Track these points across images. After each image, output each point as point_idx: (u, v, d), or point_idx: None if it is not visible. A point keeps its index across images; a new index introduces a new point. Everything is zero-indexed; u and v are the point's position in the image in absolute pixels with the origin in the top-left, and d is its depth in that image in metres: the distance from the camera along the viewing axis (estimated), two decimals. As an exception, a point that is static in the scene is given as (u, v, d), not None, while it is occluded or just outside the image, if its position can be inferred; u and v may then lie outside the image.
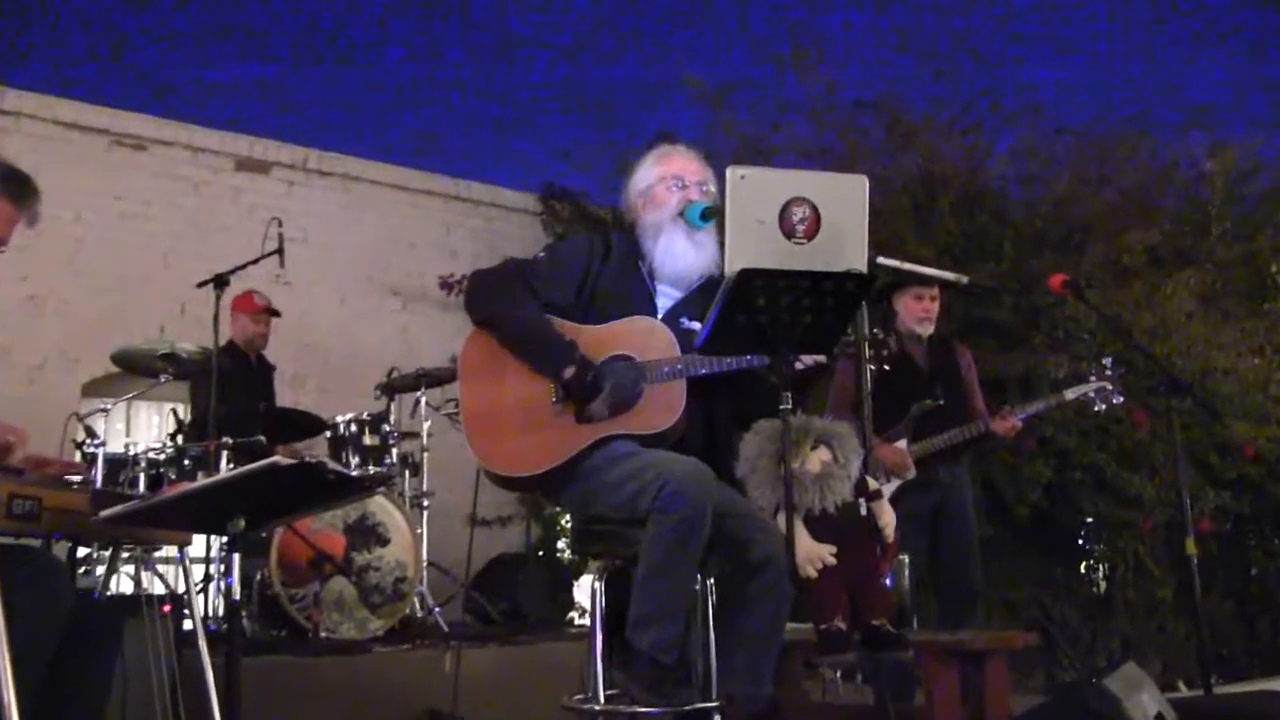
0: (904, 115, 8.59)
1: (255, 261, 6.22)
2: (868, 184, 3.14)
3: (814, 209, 3.04)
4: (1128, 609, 7.89)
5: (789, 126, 8.75)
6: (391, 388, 6.75)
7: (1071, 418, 7.40)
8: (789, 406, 3.10)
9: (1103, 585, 8.26)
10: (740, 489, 3.53)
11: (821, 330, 3.08)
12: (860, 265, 3.07)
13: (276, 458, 2.70)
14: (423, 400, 6.75)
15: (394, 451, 6.36)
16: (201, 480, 3.17)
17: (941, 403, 5.55)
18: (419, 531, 6.27)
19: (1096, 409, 5.71)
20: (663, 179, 3.73)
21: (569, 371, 3.45)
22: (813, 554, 3.37)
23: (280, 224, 6.22)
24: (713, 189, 3.68)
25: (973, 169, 8.54)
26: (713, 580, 3.45)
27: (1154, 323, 7.90)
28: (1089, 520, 8.07)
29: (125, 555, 4.25)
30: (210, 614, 5.64)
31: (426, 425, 6.75)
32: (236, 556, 3.16)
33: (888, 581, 4.04)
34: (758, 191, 3.03)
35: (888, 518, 3.51)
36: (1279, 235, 8.88)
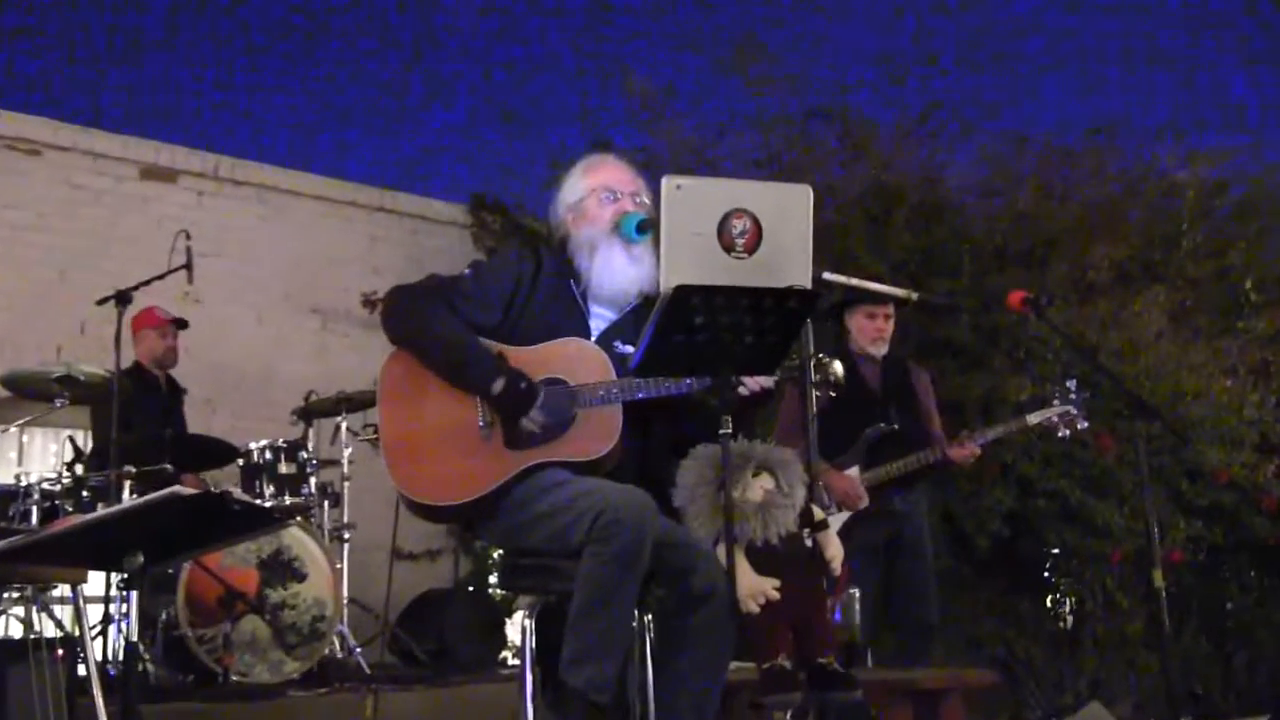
0: (857, 123, 8.68)
1: (162, 277, 6.18)
2: (812, 195, 3.16)
3: (755, 221, 3.06)
4: (1096, 645, 7.97)
5: (735, 135, 8.82)
6: (309, 412, 6.74)
7: (1034, 443, 7.48)
8: (729, 431, 3.12)
9: (1069, 620, 8.35)
10: (678, 518, 3.54)
11: (763, 350, 3.10)
12: (804, 281, 3.08)
13: (176, 487, 2.68)
14: (343, 426, 6.73)
15: (312, 480, 6.33)
16: (94, 512, 3.15)
17: (896, 427, 5.62)
18: (339, 566, 6.25)
19: (1061, 434, 5.79)
20: (593, 191, 3.74)
21: (499, 384, 3.44)
22: (754, 588, 3.38)
23: (189, 237, 6.20)
24: (647, 200, 3.71)
25: (929, 180, 8.64)
26: (651, 616, 3.46)
27: (1121, 342, 8.01)
28: (1054, 551, 8.14)
29: (15, 595, 4.20)
30: (109, 658, 5.56)
31: (347, 452, 6.73)
32: (134, 595, 3.14)
33: (836, 617, 4.07)
34: (695, 203, 3.04)
35: (834, 549, 3.53)
36: (1252, 250, 9.02)
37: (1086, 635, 7.99)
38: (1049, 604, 8.47)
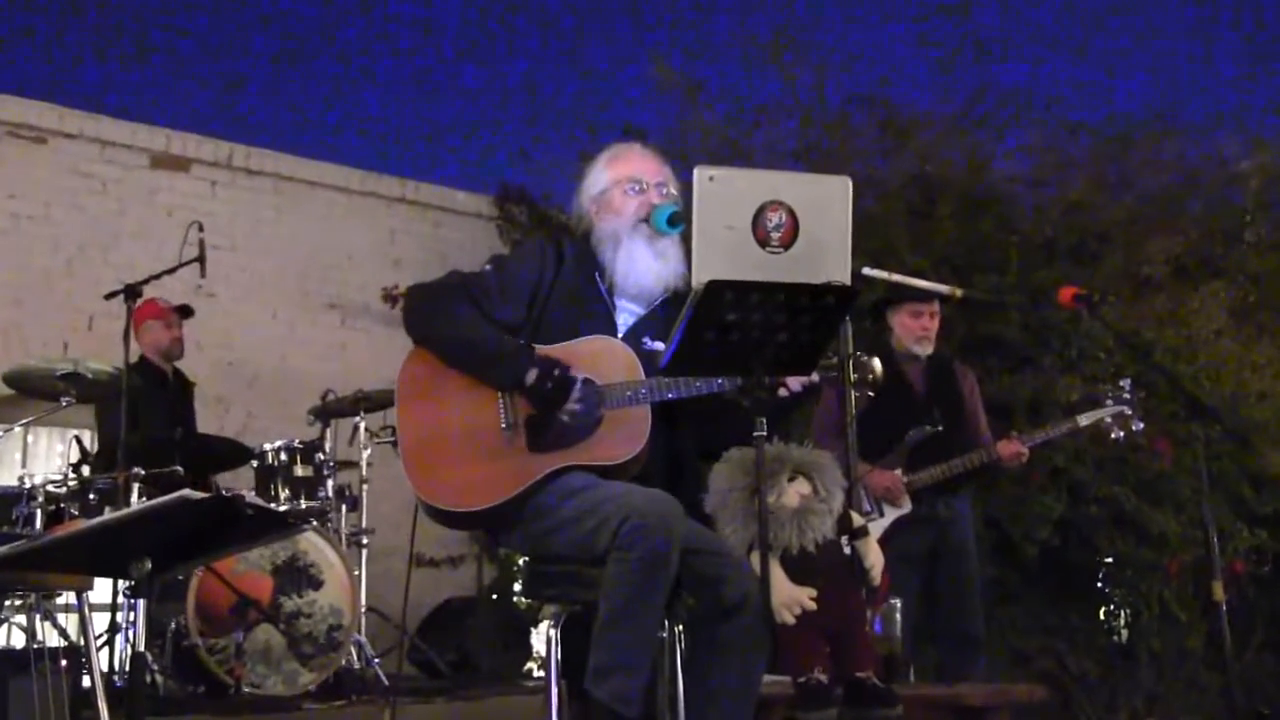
0: (899, 111, 8.66)
1: (173, 270, 6.22)
2: (852, 186, 3.15)
3: (791, 214, 3.05)
4: (1153, 660, 7.91)
5: (771, 124, 8.80)
6: (327, 412, 6.75)
7: (1086, 446, 7.44)
8: (764, 433, 3.11)
9: (1124, 633, 8.29)
10: (710, 525, 3.54)
11: (799, 349, 3.09)
12: (843, 277, 3.07)
13: (186, 491, 2.68)
14: (362, 426, 6.75)
15: (329, 484, 6.35)
16: (99, 517, 3.16)
17: (940, 429, 5.59)
18: (357, 573, 6.27)
19: (1114, 436, 5.76)
20: (618, 182, 3.74)
21: (532, 375, 3.44)
22: (790, 598, 3.39)
23: (201, 228, 6.21)
24: (674, 191, 3.70)
25: (976, 170, 8.61)
26: (681, 626, 3.46)
27: (1178, 340, 7.97)
28: (1107, 560, 8.10)
29: (17, 603, 4.22)
30: (116, 668, 5.59)
31: (366, 454, 6.75)
32: (142, 603, 3.15)
33: (875, 628, 4.06)
34: (728, 195, 3.04)
35: (874, 557, 3.53)
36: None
37: (1142, 650, 7.93)
38: (1102, 616, 8.42)
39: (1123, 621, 8.35)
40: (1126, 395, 5.71)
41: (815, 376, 3.47)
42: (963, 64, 9.04)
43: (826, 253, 3.08)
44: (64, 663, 3.31)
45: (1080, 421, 5.74)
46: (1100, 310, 5.33)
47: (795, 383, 3.44)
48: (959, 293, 4.35)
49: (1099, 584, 8.36)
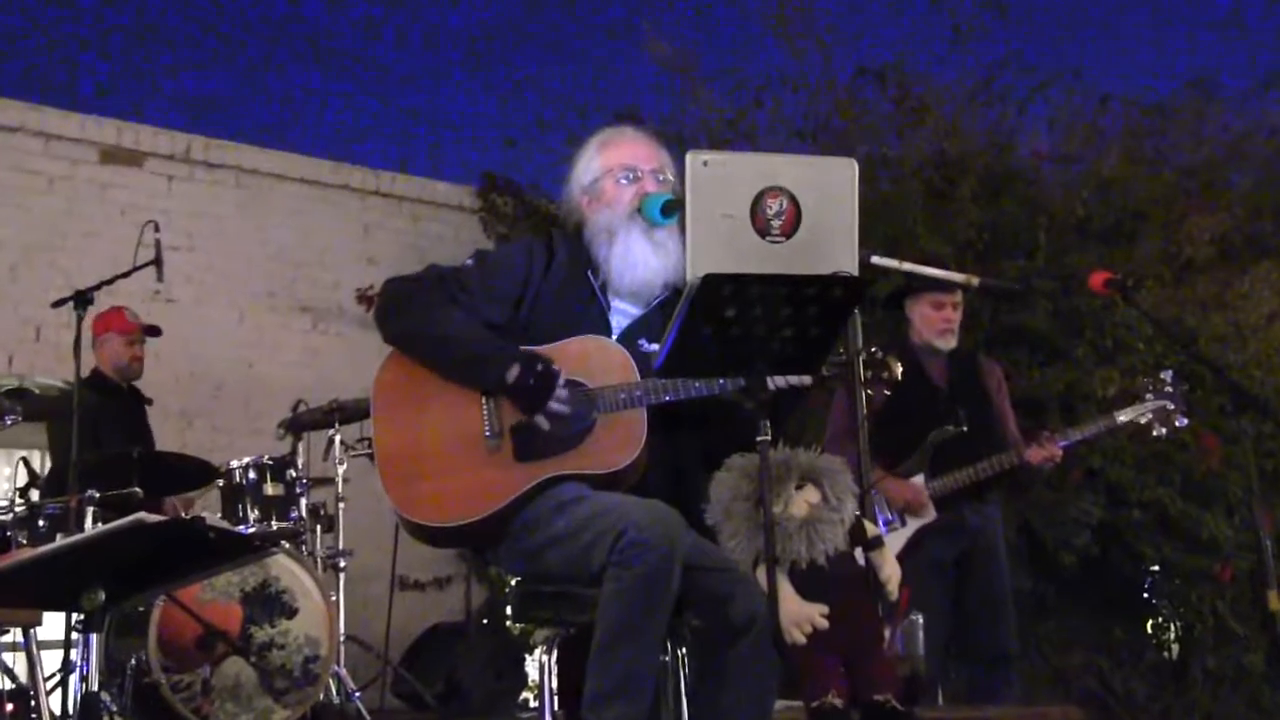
0: (915, 85, 8.67)
1: (127, 274, 6.22)
2: (857, 168, 3.17)
3: (793, 200, 3.08)
4: (1208, 678, 7.91)
5: (775, 101, 8.82)
6: (299, 424, 6.77)
7: (1125, 445, 7.47)
8: (768, 437, 3.13)
9: (1174, 649, 8.30)
10: (712, 538, 3.56)
11: (804, 345, 3.10)
12: (850, 267, 3.10)
13: (142, 514, 2.69)
14: (337, 439, 6.77)
15: (302, 502, 6.37)
16: (49, 544, 3.16)
17: (964, 429, 5.60)
18: (334, 599, 6.28)
19: (1156, 433, 5.77)
20: (609, 170, 3.77)
21: (513, 372, 3.47)
22: (800, 615, 3.40)
23: (157, 228, 6.22)
24: (671, 178, 3.72)
25: (999, 146, 8.62)
26: (685, 648, 3.48)
27: (1225, 328, 7.99)
28: (1153, 569, 8.11)
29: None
30: (69, 710, 5.59)
31: (342, 469, 6.77)
32: (96, 638, 3.15)
33: (896, 647, 4.08)
34: (724, 180, 3.06)
35: (890, 569, 3.54)
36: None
37: (1196, 667, 7.93)
38: (1149, 630, 8.42)
39: (1173, 636, 8.35)
40: (1169, 388, 5.71)
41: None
42: (983, 31, 9.01)
43: (832, 241, 3.10)
44: (9, 707, 3.32)
45: (1118, 418, 5.74)
46: (1138, 296, 5.36)
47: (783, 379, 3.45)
48: (975, 281, 4.36)
49: (1145, 595, 8.37)
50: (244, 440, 7.98)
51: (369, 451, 5.53)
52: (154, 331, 7.10)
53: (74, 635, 5.58)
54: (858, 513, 3.53)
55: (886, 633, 3.66)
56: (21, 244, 8.71)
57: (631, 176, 3.73)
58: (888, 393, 3.69)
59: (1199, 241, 8.24)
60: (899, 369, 3.72)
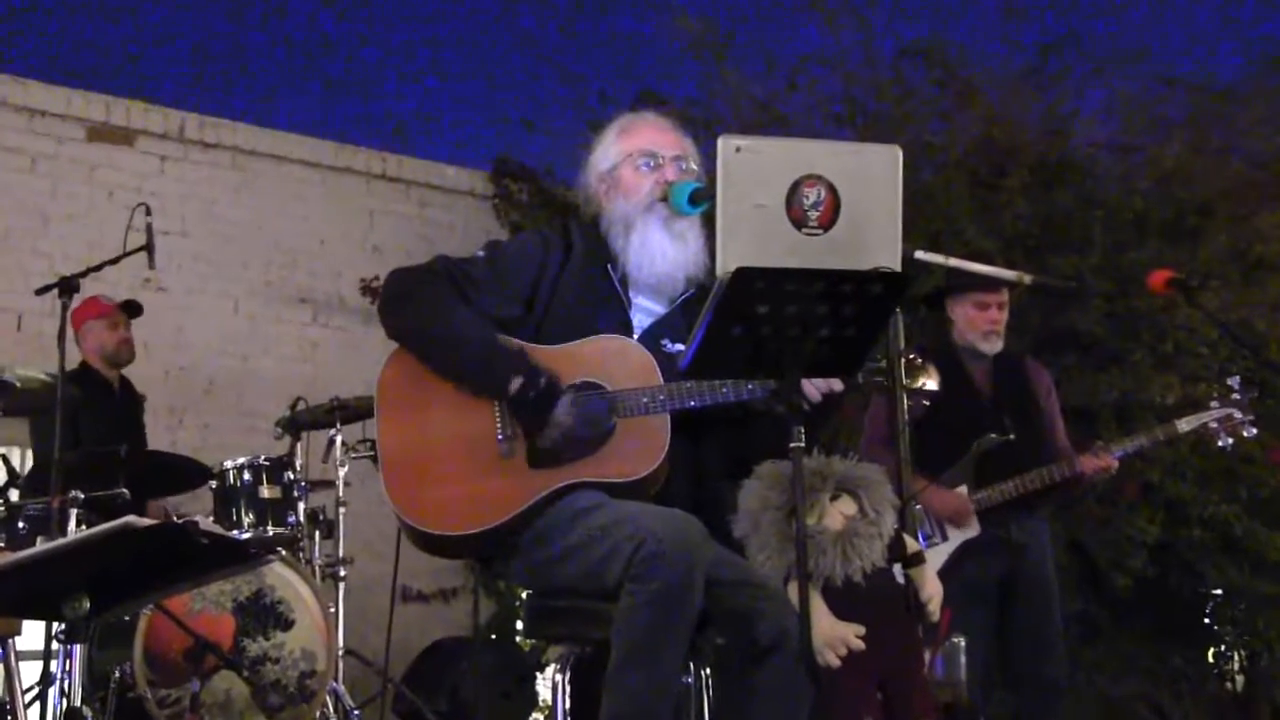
0: (962, 66, 8.65)
1: (116, 261, 6.23)
2: (902, 156, 3.17)
3: (831, 189, 3.06)
4: (1276, 713, 7.89)
5: (811, 84, 8.81)
6: (297, 424, 6.78)
7: (1186, 457, 7.45)
8: (802, 444, 3.12)
9: (1239, 680, 8.27)
10: (740, 551, 3.56)
11: (841, 347, 3.09)
12: (892, 262, 3.09)
13: (130, 518, 2.69)
14: (338, 440, 6.77)
15: (300, 507, 6.38)
16: (30, 549, 3.16)
17: (1011, 438, 5.59)
18: (333, 610, 6.29)
19: (1220, 444, 5.76)
20: (629, 157, 3.78)
21: (516, 384, 3.47)
22: (834, 636, 3.41)
23: (149, 212, 6.23)
24: (695, 166, 3.74)
25: (1052, 134, 8.60)
26: (708, 669, 3.48)
27: (1297, 332, 7.95)
28: (1215, 593, 8.09)
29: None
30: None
31: (343, 472, 6.78)
32: (79, 649, 3.16)
33: (936, 671, 4.08)
34: (758, 168, 3.04)
35: (932, 588, 3.54)
36: None
37: (1262, 698, 7.92)
38: (1210, 659, 8.39)
39: (1236, 666, 8.33)
40: (1235, 396, 5.71)
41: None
42: (1036, 9, 9.00)
43: (873, 234, 3.08)
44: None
45: (1179, 427, 5.73)
46: (1201, 297, 5.33)
47: (812, 390, 3.43)
48: (1027, 279, 4.34)
49: (1206, 621, 8.34)
50: (238, 440, 8.00)
51: (372, 453, 5.55)
52: (134, 309, 7.10)
53: (55, 646, 5.63)
54: (897, 526, 3.53)
55: (926, 656, 3.65)
56: (2, 227, 8.71)
57: (652, 163, 3.74)
58: (926, 403, 3.69)
59: (1270, 238, 8.22)
60: (934, 379, 3.70)
